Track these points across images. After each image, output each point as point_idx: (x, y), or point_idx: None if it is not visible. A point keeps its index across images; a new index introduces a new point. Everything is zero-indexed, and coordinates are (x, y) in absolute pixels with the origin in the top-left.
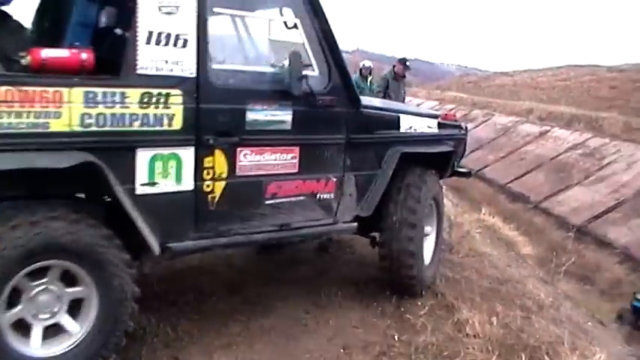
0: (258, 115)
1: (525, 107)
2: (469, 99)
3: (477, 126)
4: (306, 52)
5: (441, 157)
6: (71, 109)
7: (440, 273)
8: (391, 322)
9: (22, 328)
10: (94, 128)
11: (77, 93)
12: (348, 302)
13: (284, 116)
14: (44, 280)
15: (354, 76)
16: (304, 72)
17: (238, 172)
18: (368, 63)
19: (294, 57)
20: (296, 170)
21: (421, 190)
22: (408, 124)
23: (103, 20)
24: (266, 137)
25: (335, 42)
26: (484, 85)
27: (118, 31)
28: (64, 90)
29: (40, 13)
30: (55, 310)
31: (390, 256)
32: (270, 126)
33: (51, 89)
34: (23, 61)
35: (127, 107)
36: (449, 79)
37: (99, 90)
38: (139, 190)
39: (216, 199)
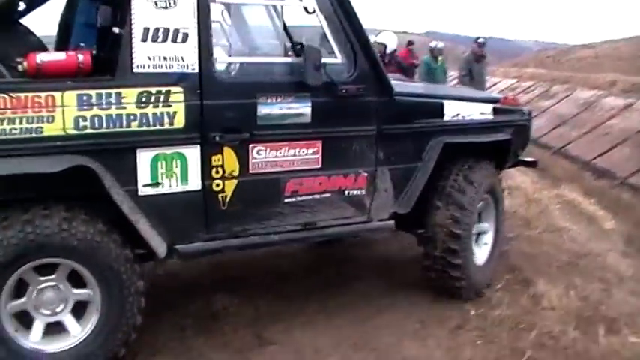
0: (270, 108)
1: (608, 80)
2: (548, 74)
3: (557, 102)
4: (326, 39)
5: (498, 146)
6: (64, 113)
7: (517, 248)
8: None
9: (27, 320)
10: (89, 131)
11: (70, 96)
12: (423, 281)
13: (302, 109)
14: (52, 277)
15: (425, 57)
16: (323, 60)
17: (251, 170)
18: (439, 44)
19: (309, 45)
20: (319, 166)
21: (470, 183)
22: (454, 111)
23: (101, 20)
24: (282, 132)
25: (360, 26)
26: (563, 59)
27: (116, 30)
28: (57, 94)
29: (61, 16)
30: (59, 308)
31: (433, 255)
32: (286, 120)
33: (43, 94)
34: (20, 67)
35: (124, 108)
36: (526, 56)
37: (93, 92)
38: (142, 191)
39: (228, 198)
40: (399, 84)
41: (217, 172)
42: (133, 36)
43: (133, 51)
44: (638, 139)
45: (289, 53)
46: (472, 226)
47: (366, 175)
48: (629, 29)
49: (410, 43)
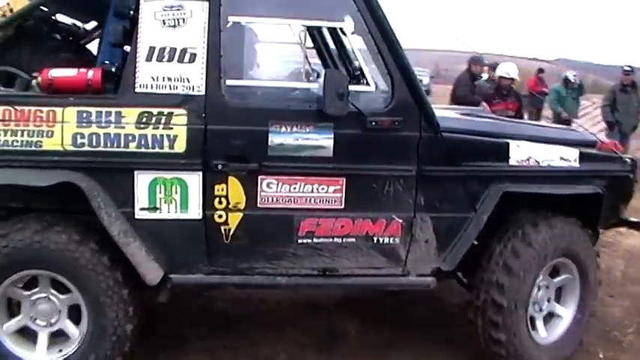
0: (284, 138)
1: None
2: None
3: None
4: (357, 64)
5: (587, 201)
6: (64, 129)
7: None
8: (595, 339)
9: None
10: (86, 148)
11: (70, 112)
12: None
13: (322, 140)
14: (36, 289)
15: (556, 85)
16: (352, 88)
17: (260, 204)
18: (571, 76)
19: (332, 70)
20: (341, 206)
21: (528, 245)
22: (524, 155)
23: (112, 37)
24: (298, 164)
25: (400, 51)
26: None
27: (127, 48)
28: (58, 109)
29: None
30: (56, 317)
31: (475, 322)
32: (304, 152)
33: (45, 108)
34: (34, 82)
35: (123, 127)
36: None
37: (93, 109)
38: (139, 214)
39: (232, 231)
40: (450, 118)
41: (220, 203)
42: (137, 54)
43: (136, 70)
44: None
45: (311, 79)
46: (526, 296)
47: (400, 221)
48: None
49: (540, 70)
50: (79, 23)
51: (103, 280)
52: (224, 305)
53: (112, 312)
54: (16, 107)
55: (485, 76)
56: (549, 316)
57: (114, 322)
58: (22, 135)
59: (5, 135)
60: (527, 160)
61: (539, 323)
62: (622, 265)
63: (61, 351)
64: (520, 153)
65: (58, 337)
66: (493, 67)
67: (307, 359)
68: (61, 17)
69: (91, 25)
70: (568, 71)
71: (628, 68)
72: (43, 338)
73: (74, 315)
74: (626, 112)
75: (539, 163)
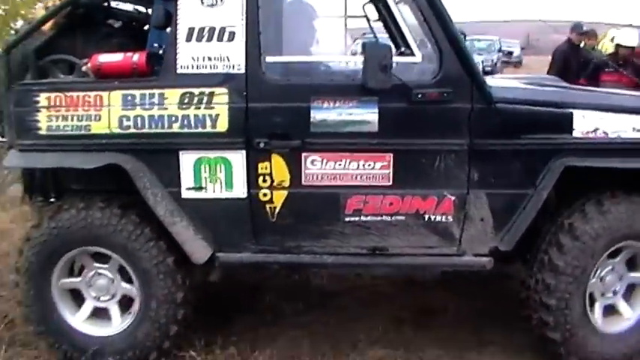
0: (328, 114)
1: None
2: None
3: None
4: (401, 34)
5: None
6: (110, 112)
7: None
8: None
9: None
10: (132, 130)
11: (116, 96)
12: None
13: (367, 115)
14: (105, 266)
15: None
16: (397, 59)
17: (305, 182)
18: None
19: (372, 42)
20: (389, 183)
21: (574, 238)
22: (591, 125)
23: (155, 20)
24: (342, 141)
25: (447, 18)
26: None
27: (168, 30)
28: (104, 94)
29: None
30: (108, 297)
31: (528, 305)
32: (348, 127)
33: (92, 93)
34: (84, 68)
35: (166, 108)
36: None
37: (137, 92)
38: (185, 194)
39: (277, 210)
40: (508, 87)
41: (265, 181)
42: (177, 36)
43: (177, 51)
44: None
45: (353, 52)
46: (578, 292)
47: (453, 198)
48: None
49: None
50: (141, 8)
51: (146, 250)
52: (320, 282)
53: (160, 280)
54: (66, 93)
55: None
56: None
57: (162, 289)
58: (72, 120)
59: (57, 120)
60: (595, 131)
61: (622, 305)
62: None
63: (130, 313)
64: (586, 124)
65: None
66: (594, 36)
67: (404, 334)
68: (120, 4)
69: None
70: None
71: None
72: (114, 309)
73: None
74: None
75: (607, 134)
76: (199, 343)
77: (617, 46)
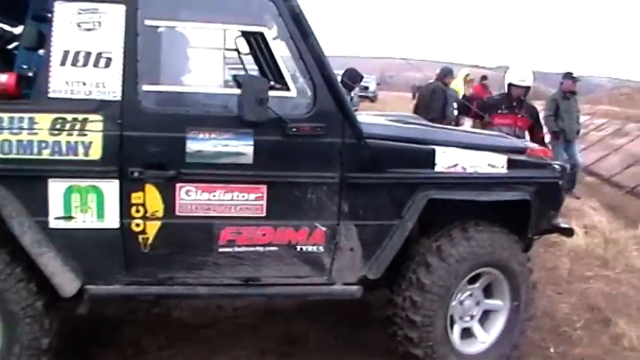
0: (203, 145)
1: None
2: (622, 112)
3: (631, 140)
4: (278, 69)
5: (516, 208)
6: None
7: (596, 288)
8: (546, 334)
9: None
10: None
11: None
12: None
13: (242, 147)
14: None
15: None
16: (272, 93)
17: (179, 212)
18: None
19: (250, 75)
20: (262, 214)
21: (442, 260)
22: (451, 161)
23: (26, 41)
24: (217, 172)
25: (322, 55)
26: (638, 97)
27: (41, 52)
28: None
29: None
30: None
31: (394, 322)
32: (222, 159)
33: None
34: None
35: (36, 134)
36: (599, 93)
37: (5, 115)
38: (53, 223)
39: (150, 240)
40: (375, 124)
41: (138, 211)
42: (51, 58)
43: (49, 74)
44: None
45: (230, 84)
46: (441, 312)
47: (324, 229)
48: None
49: (484, 77)
50: (6, 27)
51: (16, 292)
52: (181, 314)
53: (26, 325)
54: None
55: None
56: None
57: (28, 334)
58: None
59: None
60: (454, 166)
61: (477, 329)
62: (567, 264)
63: None
64: (446, 159)
65: None
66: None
67: None
68: None
69: (19, 29)
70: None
71: (573, 75)
72: None
73: None
74: (569, 119)
75: (466, 169)
76: None
77: (510, 85)
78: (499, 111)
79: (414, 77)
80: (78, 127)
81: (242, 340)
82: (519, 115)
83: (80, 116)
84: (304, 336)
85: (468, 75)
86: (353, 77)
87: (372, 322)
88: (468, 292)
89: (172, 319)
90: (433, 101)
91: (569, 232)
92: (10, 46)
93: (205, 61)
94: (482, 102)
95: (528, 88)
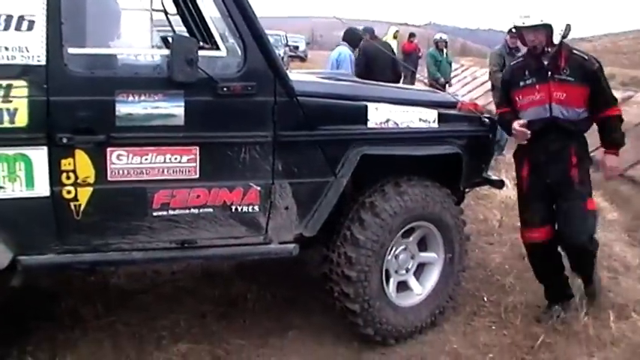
0: (133, 107)
1: (607, 73)
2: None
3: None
4: (207, 28)
5: (447, 162)
6: None
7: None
8: (479, 284)
9: None
10: None
11: None
12: None
13: (172, 109)
14: None
15: (430, 49)
16: (201, 53)
17: (110, 177)
18: (443, 35)
19: (179, 35)
20: (196, 176)
21: (375, 215)
22: (383, 117)
23: None
24: (148, 135)
25: (251, 13)
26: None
27: None
28: None
29: None
30: None
31: (329, 279)
32: (153, 121)
33: None
34: None
35: None
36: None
37: None
38: None
39: (82, 207)
40: (307, 82)
41: (68, 178)
42: None
43: None
44: (636, 132)
45: (159, 45)
46: (376, 266)
47: (258, 189)
48: (629, 23)
49: (412, 35)
50: None
51: None
52: (118, 281)
53: None
54: None
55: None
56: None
57: None
58: None
59: None
60: (386, 122)
61: (413, 282)
62: (498, 215)
63: None
64: (378, 115)
65: None
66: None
67: (208, 327)
68: None
69: None
70: (437, 34)
71: (514, 30)
72: None
73: None
74: None
75: (398, 125)
76: None
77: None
78: (521, 83)
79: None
80: (2, 93)
81: (181, 303)
82: (556, 82)
83: (4, 82)
84: (243, 296)
85: (397, 32)
86: (352, 38)
87: (308, 280)
88: (403, 246)
89: (109, 286)
90: (383, 61)
91: (499, 184)
92: None
93: (133, 22)
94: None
95: (546, 27)
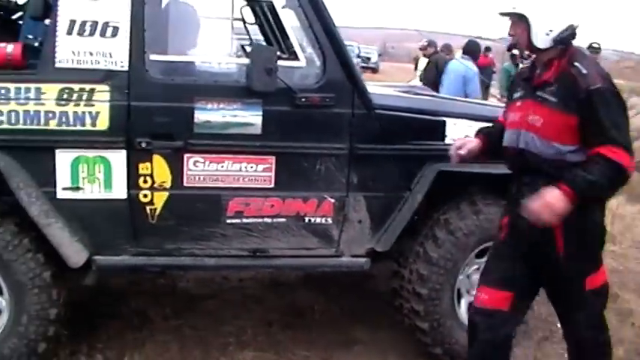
0: (211, 115)
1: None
2: (627, 86)
3: (636, 114)
4: (287, 38)
5: None
6: None
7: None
8: (552, 309)
9: None
10: (5, 126)
11: None
12: None
13: (250, 117)
14: None
15: (505, 64)
16: (281, 63)
17: (186, 183)
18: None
19: (259, 44)
20: (271, 185)
21: (450, 233)
22: (461, 133)
23: (32, 10)
24: (225, 142)
25: (332, 24)
26: None
27: (47, 22)
28: None
29: None
30: None
31: (400, 295)
32: (231, 129)
33: None
34: None
35: (43, 104)
36: (604, 65)
37: (11, 85)
38: (61, 194)
39: (158, 211)
40: (385, 95)
41: (145, 182)
42: (57, 28)
43: (56, 44)
44: None
45: (239, 54)
46: (448, 285)
47: (332, 201)
48: None
49: (487, 49)
50: None
51: (23, 263)
52: (186, 285)
53: (34, 295)
54: None
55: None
56: None
57: (36, 305)
58: None
59: None
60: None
61: None
62: None
63: None
64: (457, 131)
65: None
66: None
67: (274, 336)
68: None
69: None
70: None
71: (597, 45)
72: None
73: None
74: None
75: None
76: (64, 353)
77: None
78: (514, 94)
79: (415, 49)
80: (85, 97)
81: (248, 311)
82: (537, 101)
83: (87, 86)
84: (310, 308)
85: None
86: (473, 50)
87: (375, 294)
88: (476, 266)
89: (178, 290)
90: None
91: None
92: (14, 17)
93: (213, 30)
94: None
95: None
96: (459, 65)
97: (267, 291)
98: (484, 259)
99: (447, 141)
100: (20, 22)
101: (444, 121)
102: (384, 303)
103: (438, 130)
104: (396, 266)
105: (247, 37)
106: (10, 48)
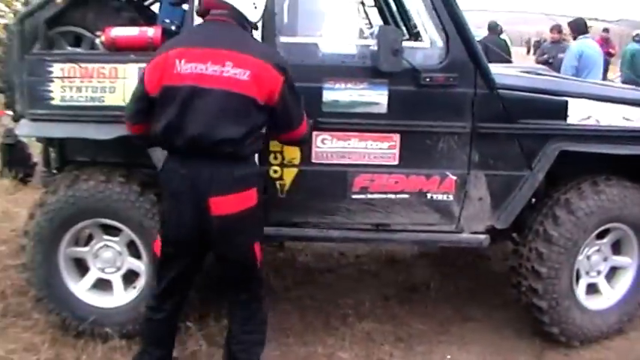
0: (339, 94)
1: None
2: None
3: None
4: (410, 20)
5: None
6: (125, 85)
7: None
8: None
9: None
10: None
11: (132, 69)
12: None
13: (376, 97)
14: (115, 239)
15: (630, 46)
16: (406, 44)
17: (315, 159)
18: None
19: (385, 26)
20: (395, 162)
21: (570, 212)
22: (584, 113)
23: None
24: (352, 121)
25: (456, 7)
26: None
27: (185, 6)
28: (120, 66)
29: None
30: (113, 269)
31: (518, 273)
32: (357, 108)
33: (108, 65)
34: (97, 40)
35: None
36: None
37: None
38: None
39: (287, 186)
40: (508, 75)
41: (276, 158)
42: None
43: None
44: None
45: (364, 35)
46: (567, 265)
47: (454, 178)
48: None
49: (605, 30)
50: None
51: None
52: (305, 259)
53: None
54: (81, 64)
55: None
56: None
57: None
58: (86, 91)
59: (71, 91)
60: (587, 118)
61: (603, 285)
62: None
63: (135, 287)
64: (579, 111)
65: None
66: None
67: (391, 309)
68: None
69: None
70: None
71: None
72: (117, 282)
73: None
74: None
75: (599, 122)
76: (194, 316)
77: None
78: None
79: (528, 32)
80: None
81: (365, 285)
82: None
83: None
84: (425, 284)
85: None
86: (580, 27)
87: (490, 274)
88: (596, 247)
89: (297, 263)
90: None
91: None
92: (147, 2)
93: (340, 13)
94: None
95: None
96: (577, 45)
97: (384, 267)
98: (605, 240)
99: (569, 121)
100: (151, 7)
101: (567, 101)
102: (498, 283)
103: (560, 110)
104: (514, 245)
105: (367, 20)
106: (151, 32)
